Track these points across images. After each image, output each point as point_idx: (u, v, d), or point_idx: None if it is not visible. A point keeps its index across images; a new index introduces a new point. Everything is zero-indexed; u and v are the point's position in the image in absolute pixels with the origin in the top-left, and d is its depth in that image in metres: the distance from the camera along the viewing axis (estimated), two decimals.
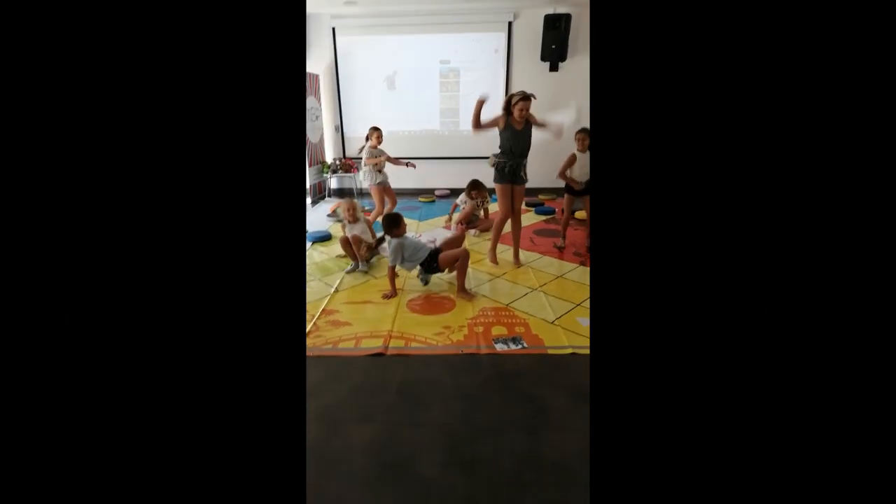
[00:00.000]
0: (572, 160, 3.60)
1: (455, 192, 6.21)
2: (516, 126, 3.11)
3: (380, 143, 4.26)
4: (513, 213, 3.33)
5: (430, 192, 6.19)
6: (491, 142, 5.72)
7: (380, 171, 4.28)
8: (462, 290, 2.90)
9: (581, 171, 3.64)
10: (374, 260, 3.45)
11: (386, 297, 2.87)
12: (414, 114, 6.04)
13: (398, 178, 6.21)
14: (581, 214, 4.76)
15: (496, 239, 3.47)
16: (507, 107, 3.12)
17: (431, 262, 2.93)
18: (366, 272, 3.30)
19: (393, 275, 2.92)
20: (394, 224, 2.92)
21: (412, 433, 1.69)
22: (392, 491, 1.43)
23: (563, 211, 3.92)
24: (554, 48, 5.39)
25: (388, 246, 2.95)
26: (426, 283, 3.04)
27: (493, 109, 6.17)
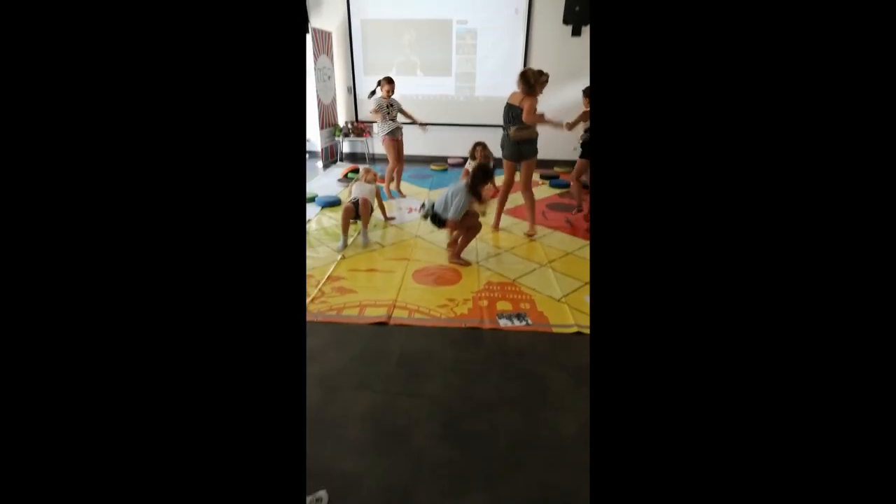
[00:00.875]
0: (585, 116, 3.62)
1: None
2: None
3: (391, 94, 4.09)
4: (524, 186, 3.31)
5: (442, 159, 6.05)
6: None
7: (393, 120, 4.07)
8: (457, 256, 2.92)
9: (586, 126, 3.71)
10: (370, 237, 3.33)
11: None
12: (428, 78, 5.83)
13: (410, 143, 6.09)
14: None
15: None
16: (533, 84, 3.04)
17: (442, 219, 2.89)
18: (366, 245, 3.21)
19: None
20: (489, 178, 2.86)
21: (409, 404, 1.70)
22: (386, 460, 1.44)
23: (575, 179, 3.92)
24: (577, 10, 5.08)
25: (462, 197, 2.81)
26: (426, 217, 2.99)
27: (510, 74, 5.93)
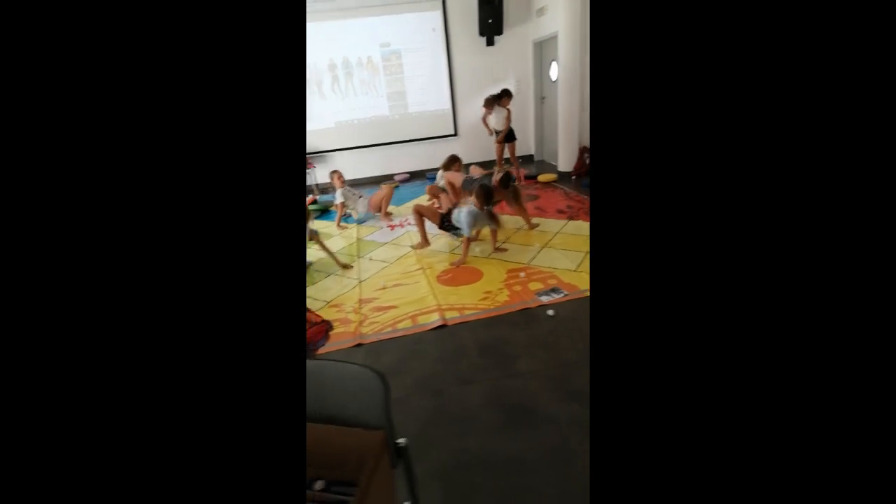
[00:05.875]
0: (489, 112, 5.09)
1: (414, 175, 6.27)
2: None
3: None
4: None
5: (389, 177, 6.17)
6: (438, 122, 6.05)
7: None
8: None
9: (496, 121, 5.08)
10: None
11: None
12: (361, 101, 5.94)
13: (358, 166, 6.13)
14: (544, 178, 5.13)
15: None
16: None
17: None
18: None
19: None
20: (492, 197, 3.12)
21: (517, 383, 1.86)
22: (524, 433, 1.59)
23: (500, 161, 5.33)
24: (490, 22, 5.58)
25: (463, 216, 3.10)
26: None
27: (439, 89, 6.28)
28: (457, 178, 4.06)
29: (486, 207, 3.06)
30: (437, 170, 5.02)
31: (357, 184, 5.74)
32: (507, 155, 5.32)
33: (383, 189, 4.61)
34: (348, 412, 0.97)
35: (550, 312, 2.30)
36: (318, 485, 0.98)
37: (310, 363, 1.01)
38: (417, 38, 5.76)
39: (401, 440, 0.98)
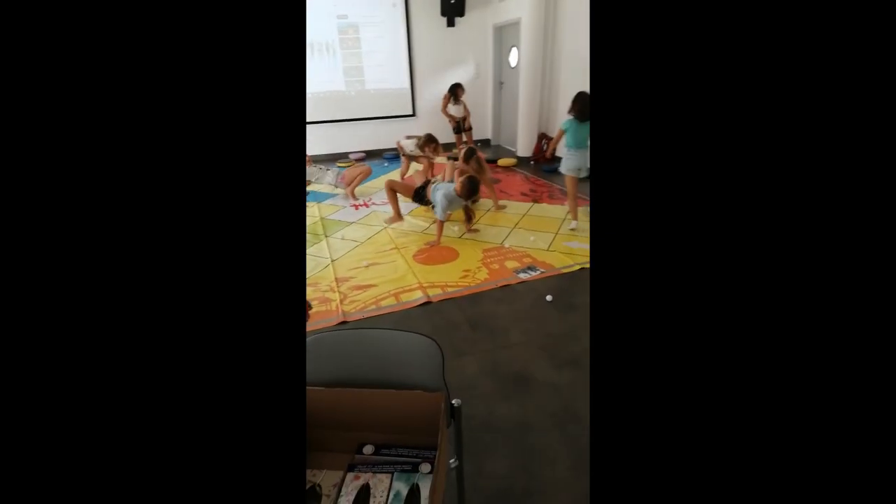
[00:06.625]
0: (448, 100, 5.13)
1: (370, 154, 6.11)
2: None
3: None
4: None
5: (343, 156, 5.97)
6: (396, 101, 5.89)
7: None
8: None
9: (455, 110, 5.19)
10: None
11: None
12: (316, 73, 5.65)
13: (311, 143, 5.86)
14: (503, 162, 5.25)
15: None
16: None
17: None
18: None
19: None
20: (476, 189, 3.13)
21: (509, 354, 1.94)
22: (524, 398, 1.69)
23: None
24: (453, 3, 5.53)
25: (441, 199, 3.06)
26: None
27: (398, 66, 6.17)
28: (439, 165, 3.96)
29: (466, 201, 3.10)
30: (394, 149, 4.96)
31: (315, 161, 5.50)
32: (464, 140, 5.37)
33: (360, 167, 4.39)
34: (406, 376, 0.97)
35: (549, 298, 2.36)
36: (367, 449, 0.99)
37: (368, 333, 0.99)
38: (376, 12, 5.56)
39: (455, 401, 1.01)
